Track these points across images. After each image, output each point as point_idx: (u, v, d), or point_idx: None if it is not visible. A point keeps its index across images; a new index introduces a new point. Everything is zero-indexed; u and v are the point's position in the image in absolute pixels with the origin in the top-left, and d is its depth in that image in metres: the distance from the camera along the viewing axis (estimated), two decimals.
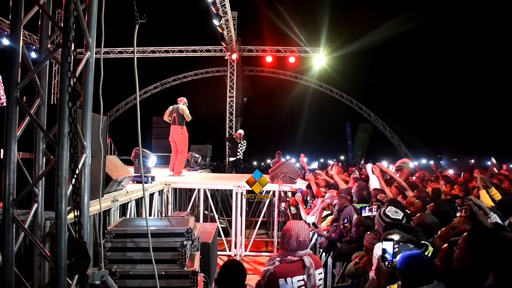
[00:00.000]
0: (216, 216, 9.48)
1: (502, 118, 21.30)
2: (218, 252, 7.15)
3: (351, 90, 23.38)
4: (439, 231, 3.43)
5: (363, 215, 4.56)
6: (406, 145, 23.42)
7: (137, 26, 3.06)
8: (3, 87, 5.65)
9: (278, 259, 3.31)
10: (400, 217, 3.69)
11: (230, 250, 8.62)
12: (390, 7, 22.50)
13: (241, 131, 14.04)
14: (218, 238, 7.41)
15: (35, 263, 2.59)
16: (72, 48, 2.20)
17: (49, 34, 2.69)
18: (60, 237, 2.28)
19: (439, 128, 24.92)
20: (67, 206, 2.32)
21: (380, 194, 5.35)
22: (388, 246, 2.78)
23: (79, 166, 2.25)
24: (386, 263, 2.78)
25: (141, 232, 3.72)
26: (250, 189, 8.26)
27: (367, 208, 4.60)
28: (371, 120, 23.98)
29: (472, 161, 12.26)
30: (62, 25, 2.32)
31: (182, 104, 9.89)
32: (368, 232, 4.01)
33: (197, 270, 3.77)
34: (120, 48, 19.41)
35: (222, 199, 11.80)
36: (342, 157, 26.76)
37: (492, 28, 21.80)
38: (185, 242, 3.74)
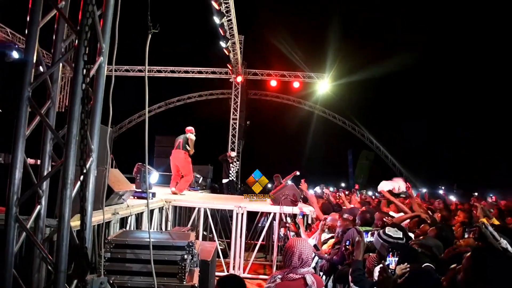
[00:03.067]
0: (216, 237, 9.36)
1: (502, 151, 21.29)
2: (216, 273, 7.04)
3: (354, 117, 23.51)
4: (443, 254, 3.38)
5: (365, 240, 4.51)
6: (407, 173, 23.38)
7: (150, 36, 3.10)
8: None
9: (280, 276, 3.26)
10: (401, 236, 3.67)
11: (228, 272, 8.47)
12: (396, 39, 22.87)
13: (232, 153, 14.18)
14: (217, 259, 7.30)
15: (34, 266, 2.54)
16: (86, 49, 2.22)
17: (64, 38, 2.72)
18: (61, 239, 2.25)
19: (440, 158, 24.89)
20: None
21: (386, 217, 5.30)
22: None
23: (87, 166, 2.23)
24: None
25: (142, 243, 3.67)
26: (251, 209, 8.20)
27: (369, 233, 4.56)
28: (372, 147, 23.99)
29: (476, 194, 12.21)
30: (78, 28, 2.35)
31: (191, 135, 9.99)
32: (370, 254, 3.96)
33: (196, 285, 3.70)
34: (127, 66, 19.61)
35: (221, 221, 11.69)
36: (343, 184, 26.59)
37: (495, 61, 22.07)
38: (185, 256, 3.68)
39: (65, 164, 2.23)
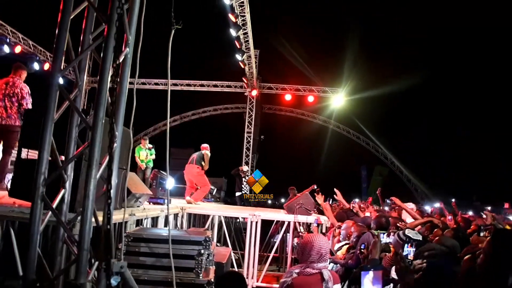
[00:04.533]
0: (230, 245, 9.36)
1: None
2: None
3: (368, 132, 23.44)
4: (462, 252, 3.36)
5: (381, 240, 4.50)
6: (422, 188, 23.15)
7: (173, 31, 3.21)
8: (31, 101, 6.16)
9: (297, 271, 3.25)
10: (421, 238, 3.65)
11: None
12: (412, 56, 22.93)
13: (244, 167, 14.35)
14: (230, 269, 7.31)
15: (56, 249, 2.61)
16: (115, 37, 2.32)
17: (92, 30, 2.84)
18: (85, 218, 2.32)
19: (454, 173, 24.60)
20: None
21: (399, 223, 5.28)
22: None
23: (113, 149, 2.31)
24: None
25: (159, 237, 3.73)
26: (266, 217, 8.20)
27: (385, 234, 4.54)
28: (387, 162, 23.83)
29: (489, 208, 12.01)
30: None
31: (207, 151, 10.11)
32: (386, 254, 3.94)
33: (212, 280, 3.72)
34: (144, 80, 19.93)
35: (235, 232, 11.69)
36: (356, 199, 26.35)
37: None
38: (202, 251, 3.72)
39: (92, 145, 2.32)
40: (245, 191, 14.27)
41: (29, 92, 6.22)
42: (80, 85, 2.74)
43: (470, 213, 9.74)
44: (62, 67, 2.53)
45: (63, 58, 2.55)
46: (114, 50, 2.40)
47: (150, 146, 12.74)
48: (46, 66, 16.77)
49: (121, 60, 2.60)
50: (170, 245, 3.28)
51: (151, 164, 12.60)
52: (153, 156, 12.70)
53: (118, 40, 2.55)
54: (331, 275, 3.22)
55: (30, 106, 6.12)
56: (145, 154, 12.57)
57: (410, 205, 6.94)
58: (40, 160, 2.43)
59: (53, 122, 2.49)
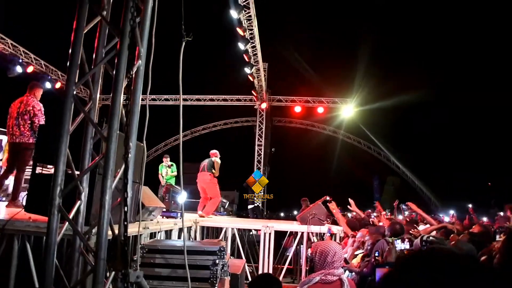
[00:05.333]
0: (243, 257, 9.31)
1: None
2: None
3: (379, 142, 23.33)
4: (478, 255, 3.32)
5: (396, 247, 4.46)
6: (435, 197, 22.90)
7: (183, 43, 3.27)
8: (44, 118, 6.27)
9: (317, 278, 3.22)
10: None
11: None
12: (422, 66, 22.89)
13: None
14: (245, 281, 7.28)
15: (73, 260, 2.63)
16: (127, 50, 2.37)
17: (105, 44, 2.91)
18: (102, 228, 2.34)
19: (468, 181, 24.30)
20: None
21: (412, 230, 5.24)
22: None
23: (128, 159, 2.34)
24: None
25: (174, 248, 3.74)
26: (279, 228, 8.17)
27: (400, 240, 4.51)
28: (399, 172, 23.64)
29: (501, 213, 11.78)
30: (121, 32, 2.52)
31: (217, 158, 10.16)
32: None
33: None
34: (154, 96, 20.13)
35: (248, 245, 11.63)
36: (369, 210, 26.12)
37: None
38: (217, 261, 3.72)
39: (106, 156, 2.35)
40: (258, 203, 14.30)
41: (42, 109, 6.33)
42: (94, 98, 2.79)
43: (485, 219, 9.59)
44: (76, 80, 2.59)
45: (78, 71, 2.61)
46: (127, 62, 2.45)
47: (170, 163, 13.29)
48: (58, 85, 17.08)
49: (134, 71, 2.65)
50: (185, 255, 3.29)
51: (172, 181, 12.91)
52: (175, 173, 13.05)
53: (130, 52, 2.60)
54: (349, 283, 3.20)
55: (43, 123, 6.23)
56: (165, 171, 13.23)
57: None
58: (56, 172, 2.47)
59: (68, 134, 2.53)
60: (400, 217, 12.34)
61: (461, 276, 0.61)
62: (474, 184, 23.88)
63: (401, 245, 4.40)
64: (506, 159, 22.63)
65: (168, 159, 13.49)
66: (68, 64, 2.56)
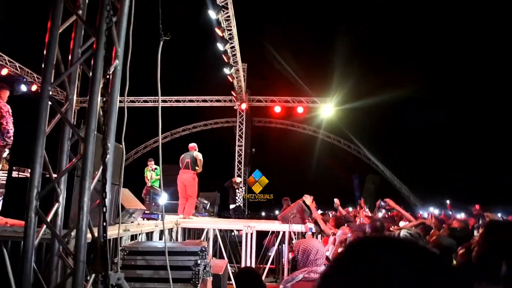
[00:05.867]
0: (226, 258, 9.29)
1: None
2: None
3: (358, 141, 23.60)
4: (458, 250, 3.39)
5: None
6: (415, 195, 23.32)
7: (161, 43, 3.24)
8: (12, 119, 6.13)
9: (300, 276, 3.24)
10: (418, 236, 3.68)
11: None
12: (402, 66, 23.16)
13: (238, 179, 14.56)
14: (228, 282, 7.26)
15: (52, 264, 2.58)
16: (104, 48, 2.34)
17: (81, 44, 2.86)
18: (81, 230, 2.31)
19: (446, 178, 24.78)
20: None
21: (392, 226, 5.31)
22: None
23: (106, 160, 2.31)
24: None
25: (155, 250, 3.70)
26: (261, 228, 8.19)
27: None
28: (378, 170, 23.95)
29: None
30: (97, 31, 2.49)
31: (198, 153, 10.10)
32: None
33: None
34: (133, 98, 19.93)
35: (230, 246, 11.61)
36: (350, 208, 26.33)
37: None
38: (199, 261, 3.70)
39: (84, 157, 2.32)
40: (239, 203, 14.32)
41: (10, 111, 6.18)
42: (70, 99, 2.74)
43: (463, 215, 9.81)
44: (52, 80, 2.54)
45: (53, 71, 2.56)
46: (104, 61, 2.42)
47: (155, 167, 13.41)
48: (34, 88, 16.72)
49: (111, 71, 2.62)
50: (166, 256, 3.26)
51: (156, 184, 12.89)
52: (159, 176, 12.99)
53: (107, 52, 2.57)
54: None
55: (11, 125, 6.09)
56: (150, 174, 13.40)
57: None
58: (32, 174, 2.42)
59: (44, 135, 2.49)
60: (380, 214, 12.49)
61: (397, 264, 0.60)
62: (453, 181, 24.35)
63: None
64: (487, 158, 23.17)
65: (153, 162, 13.59)
66: (43, 64, 2.52)
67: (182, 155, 10.29)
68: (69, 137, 2.71)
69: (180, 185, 10.08)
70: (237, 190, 14.22)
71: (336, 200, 8.68)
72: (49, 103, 2.48)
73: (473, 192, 20.61)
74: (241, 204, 14.43)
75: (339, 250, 6.06)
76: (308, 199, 8.04)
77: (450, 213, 9.46)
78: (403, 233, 3.79)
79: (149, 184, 12.83)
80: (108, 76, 2.54)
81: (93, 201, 2.54)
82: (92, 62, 2.54)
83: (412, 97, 21.67)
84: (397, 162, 24.29)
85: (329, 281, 0.65)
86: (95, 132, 2.38)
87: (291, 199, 12.42)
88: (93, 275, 2.43)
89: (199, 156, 10.00)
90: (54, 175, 2.76)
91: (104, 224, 2.21)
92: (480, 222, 5.49)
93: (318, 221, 7.41)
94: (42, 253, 3.75)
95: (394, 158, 24.47)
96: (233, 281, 3.14)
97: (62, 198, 2.67)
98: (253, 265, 8.46)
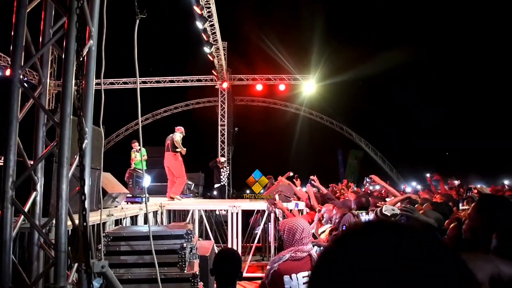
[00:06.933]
0: (212, 239, 9.30)
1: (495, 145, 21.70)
2: None
3: (341, 117, 23.72)
4: (445, 224, 3.41)
5: (361, 219, 4.56)
6: (397, 169, 23.71)
7: (137, 21, 3.11)
8: None
9: (287, 255, 3.22)
10: (398, 212, 3.70)
11: None
12: (381, 38, 23.15)
13: (221, 158, 14.50)
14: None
15: (32, 254, 2.50)
16: (77, 27, 2.22)
17: (52, 24, 2.72)
18: (60, 219, 2.22)
19: (430, 152, 25.19)
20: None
21: (380, 202, 5.34)
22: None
23: (83, 145, 2.22)
24: None
25: (139, 234, 3.64)
26: (246, 208, 8.18)
27: (365, 212, 4.60)
28: (361, 145, 24.17)
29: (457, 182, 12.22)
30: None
31: (179, 134, 9.99)
32: None
33: (197, 273, 3.67)
34: (112, 80, 19.52)
35: (216, 226, 11.63)
36: (333, 184, 26.61)
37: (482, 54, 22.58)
38: (185, 244, 3.66)
39: (61, 143, 2.22)
40: (224, 182, 14.30)
41: None
42: (44, 82, 2.62)
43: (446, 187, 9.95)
44: (22, 63, 2.41)
45: (23, 53, 2.43)
46: (77, 42, 2.29)
47: (138, 148, 12.96)
48: (8, 72, 16.20)
49: (85, 52, 2.49)
50: (151, 241, 3.20)
51: (139, 166, 12.64)
52: (145, 157, 12.67)
53: (80, 32, 2.44)
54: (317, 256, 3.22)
55: None
56: (135, 155, 12.98)
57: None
58: (6, 162, 2.31)
59: (17, 121, 2.37)
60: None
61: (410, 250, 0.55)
62: (434, 154, 24.77)
63: (366, 218, 4.48)
64: (464, 128, 23.58)
65: (137, 144, 13.10)
66: (11, 46, 2.38)
67: (167, 137, 10.22)
68: (45, 122, 2.60)
69: (166, 169, 10.05)
70: (221, 170, 14.18)
71: (314, 177, 8.62)
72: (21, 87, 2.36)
73: (454, 166, 21.05)
74: (225, 184, 14.43)
75: (325, 226, 6.11)
76: (297, 182, 8.06)
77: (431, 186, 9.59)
78: (384, 210, 3.81)
79: (133, 166, 12.63)
80: (82, 58, 2.41)
81: (73, 187, 2.45)
82: (64, 43, 2.40)
83: (394, 69, 21.79)
84: (380, 137, 24.54)
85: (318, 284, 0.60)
86: (71, 117, 2.27)
87: (275, 176, 12.47)
88: (76, 264, 2.36)
89: (176, 137, 9.90)
90: (31, 162, 2.65)
91: (84, 212, 2.13)
92: (468, 194, 5.56)
93: (310, 195, 7.42)
94: (24, 242, 3.65)
95: (377, 133, 24.71)
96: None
97: (39, 186, 2.57)
98: (240, 244, 8.49)
